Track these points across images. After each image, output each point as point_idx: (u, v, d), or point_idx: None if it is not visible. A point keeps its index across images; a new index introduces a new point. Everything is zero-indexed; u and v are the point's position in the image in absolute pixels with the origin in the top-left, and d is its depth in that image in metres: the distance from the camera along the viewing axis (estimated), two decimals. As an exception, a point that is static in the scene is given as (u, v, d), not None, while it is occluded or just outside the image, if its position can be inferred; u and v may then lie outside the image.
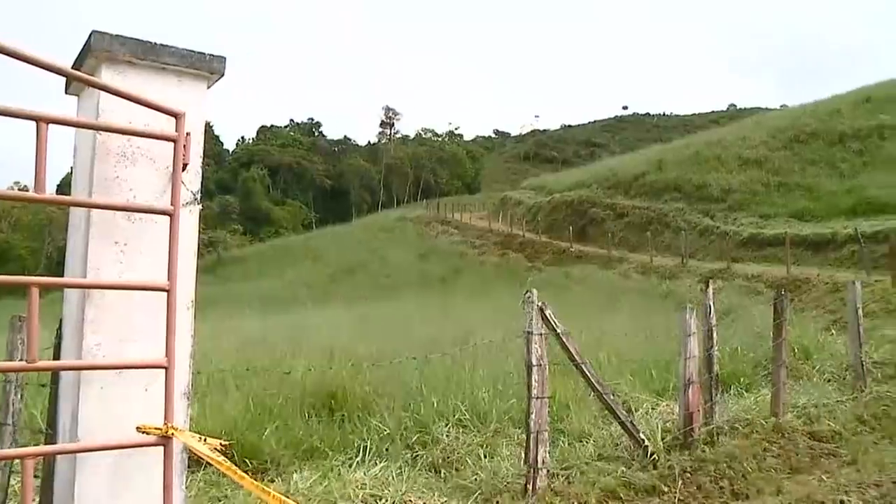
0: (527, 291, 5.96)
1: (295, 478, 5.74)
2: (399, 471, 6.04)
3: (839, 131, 41.37)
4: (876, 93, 45.71)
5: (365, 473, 5.82)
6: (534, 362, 5.73)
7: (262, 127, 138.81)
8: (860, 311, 9.57)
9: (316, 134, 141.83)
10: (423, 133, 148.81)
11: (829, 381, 10.01)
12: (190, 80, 3.02)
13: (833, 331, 14.85)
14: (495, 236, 51.48)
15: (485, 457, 6.63)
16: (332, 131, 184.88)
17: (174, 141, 2.86)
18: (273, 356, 11.83)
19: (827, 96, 50.42)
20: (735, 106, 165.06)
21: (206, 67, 3.04)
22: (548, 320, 5.88)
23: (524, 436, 5.90)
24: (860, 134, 40.43)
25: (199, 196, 3.05)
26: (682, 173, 43.32)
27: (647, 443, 6.42)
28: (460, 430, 7.34)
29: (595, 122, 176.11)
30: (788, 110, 60.03)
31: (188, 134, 2.91)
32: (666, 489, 6.04)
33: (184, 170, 2.92)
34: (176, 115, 2.86)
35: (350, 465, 6.17)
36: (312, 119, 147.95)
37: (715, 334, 7.26)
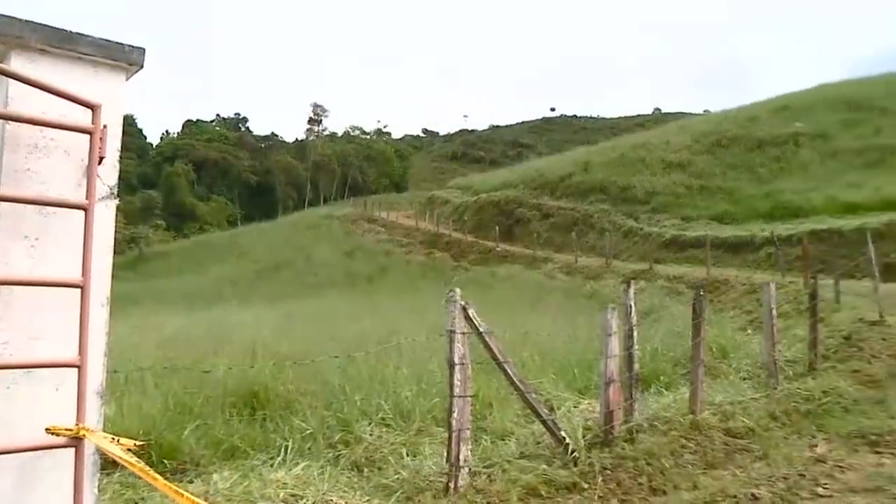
0: (450, 290, 5.97)
1: (215, 478, 5.64)
2: (321, 470, 5.98)
3: (758, 137, 42.59)
4: (792, 101, 47.21)
5: (286, 473, 5.75)
6: (456, 361, 5.74)
7: (188, 121, 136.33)
8: (774, 312, 9.85)
9: (242, 129, 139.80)
10: (351, 131, 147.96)
11: (744, 379, 10.25)
12: (107, 71, 2.94)
13: (749, 330, 15.26)
14: (422, 235, 51.51)
15: (407, 455, 6.61)
16: (259, 127, 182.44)
17: (90, 133, 2.78)
18: (195, 354, 11.64)
19: (747, 103, 51.97)
20: (660, 110, 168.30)
21: (125, 59, 2.97)
22: (470, 319, 5.90)
23: (447, 434, 5.91)
24: (777, 140, 41.68)
25: (116, 190, 2.98)
26: (607, 175, 44.02)
27: (568, 441, 6.49)
28: (383, 429, 7.31)
29: (523, 123, 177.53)
30: (711, 116, 61.48)
31: (105, 126, 2.83)
32: (586, 486, 6.11)
33: (100, 163, 2.84)
34: (92, 107, 2.78)
35: (271, 465, 6.08)
36: (239, 114, 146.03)
37: (636, 334, 7.39)
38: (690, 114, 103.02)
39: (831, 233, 26.89)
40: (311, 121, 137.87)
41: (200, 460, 6.48)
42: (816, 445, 7.40)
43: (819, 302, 11.94)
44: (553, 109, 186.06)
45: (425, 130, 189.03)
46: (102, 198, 2.88)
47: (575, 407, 8.17)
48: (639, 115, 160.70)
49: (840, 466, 6.70)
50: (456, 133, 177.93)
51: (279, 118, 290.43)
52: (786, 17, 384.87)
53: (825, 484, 6.24)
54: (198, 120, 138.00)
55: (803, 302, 13.14)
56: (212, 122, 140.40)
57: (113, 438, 2.70)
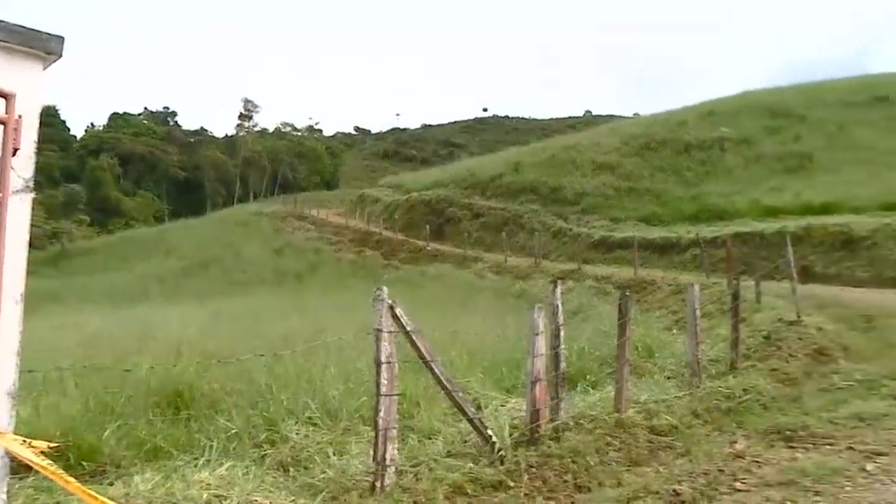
0: (377, 289, 5.96)
1: (136, 479, 5.50)
2: (246, 470, 5.90)
3: (685, 141, 43.38)
4: (718, 107, 48.26)
5: (210, 473, 5.65)
6: (383, 360, 5.73)
7: (114, 114, 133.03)
8: (698, 312, 10.06)
9: (171, 123, 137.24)
10: (282, 127, 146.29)
11: (669, 377, 10.44)
12: (22, 60, 2.85)
13: (675, 330, 15.55)
14: (352, 233, 51.28)
15: (334, 455, 6.58)
16: (188, 122, 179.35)
17: (3, 123, 2.69)
18: (118, 353, 11.40)
19: (676, 108, 52.85)
20: (591, 112, 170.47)
21: (42, 47, 2.88)
22: (398, 318, 5.89)
23: (374, 433, 5.89)
24: (704, 145, 42.52)
25: (32, 183, 2.89)
26: (538, 176, 44.35)
27: (494, 439, 6.53)
28: (310, 428, 7.27)
29: (455, 122, 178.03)
30: (641, 119, 62.49)
31: (20, 116, 2.75)
32: (512, 484, 6.16)
33: (14, 154, 2.75)
34: (6, 96, 2.69)
35: (195, 466, 5.97)
36: (168, 108, 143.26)
37: (562, 333, 7.47)
38: (621, 116, 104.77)
39: (754, 235, 27.55)
40: (241, 116, 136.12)
41: (121, 462, 6.34)
42: (736, 442, 7.57)
43: (741, 302, 12.24)
44: (485, 109, 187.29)
45: (357, 128, 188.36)
46: (17, 191, 2.79)
47: (502, 405, 8.22)
48: (570, 117, 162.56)
49: (757, 461, 6.87)
50: (388, 131, 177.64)
51: (209, 113, 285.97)
52: (711, 25, 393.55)
53: (743, 478, 6.39)
54: (124, 113, 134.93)
55: (726, 302, 13.44)
56: (139, 115, 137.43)
57: (24, 441, 2.61)
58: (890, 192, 28.35)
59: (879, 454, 6.80)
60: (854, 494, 5.82)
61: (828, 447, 7.20)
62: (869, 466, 6.47)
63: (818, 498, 5.78)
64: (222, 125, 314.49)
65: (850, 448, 7.05)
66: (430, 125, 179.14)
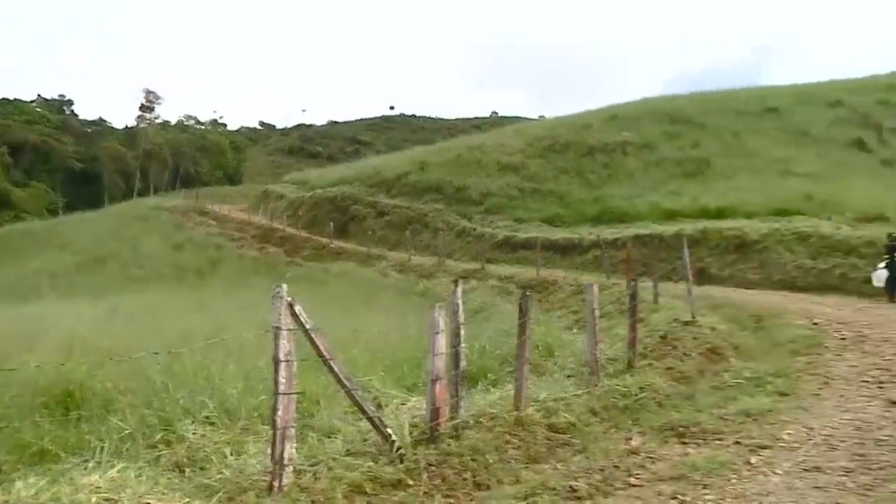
0: (276, 286, 5.89)
1: (18, 485, 5.24)
2: (139, 472, 5.75)
3: (589, 144, 44.12)
4: (622, 111, 49.30)
5: (100, 476, 5.47)
6: (281, 358, 5.66)
7: (4, 100, 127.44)
8: (597, 312, 10.25)
9: (67, 112, 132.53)
10: (185, 120, 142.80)
11: (568, 376, 10.60)
12: None
13: (575, 330, 15.86)
14: (255, 229, 50.52)
15: (231, 454, 6.49)
16: (85, 111, 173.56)
17: None
18: (3, 352, 10.95)
19: (580, 111, 53.74)
20: (497, 113, 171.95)
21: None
22: (297, 315, 5.83)
23: (272, 432, 5.82)
24: (607, 148, 43.33)
25: None
26: (443, 175, 44.53)
27: (394, 438, 6.52)
28: (207, 428, 7.15)
29: (362, 120, 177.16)
30: (546, 121, 63.37)
31: None
32: (412, 482, 6.17)
33: None
34: None
35: (85, 468, 5.79)
36: (63, 96, 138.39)
37: (462, 332, 7.50)
38: (526, 118, 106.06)
39: (653, 238, 28.30)
40: (142, 107, 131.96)
41: (2, 466, 6.08)
42: (631, 438, 7.76)
43: (639, 303, 12.53)
44: (392, 108, 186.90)
45: (262, 123, 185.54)
46: None
47: (403, 404, 8.22)
48: (476, 118, 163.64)
49: (651, 457, 7.07)
50: (294, 127, 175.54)
51: (108, 103, 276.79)
52: (614, 33, 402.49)
53: (637, 474, 6.57)
54: (15, 99, 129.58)
55: (625, 303, 13.73)
56: (32, 102, 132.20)
57: None
58: (780, 198, 29.56)
59: (763, 448, 7.10)
60: (739, 486, 6.06)
61: (717, 442, 7.46)
62: (753, 459, 6.75)
63: (706, 491, 5.98)
64: (122, 116, 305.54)
65: (738, 443, 7.33)
66: (336, 122, 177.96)
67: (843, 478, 6.16)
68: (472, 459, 6.68)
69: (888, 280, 20.65)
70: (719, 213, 29.82)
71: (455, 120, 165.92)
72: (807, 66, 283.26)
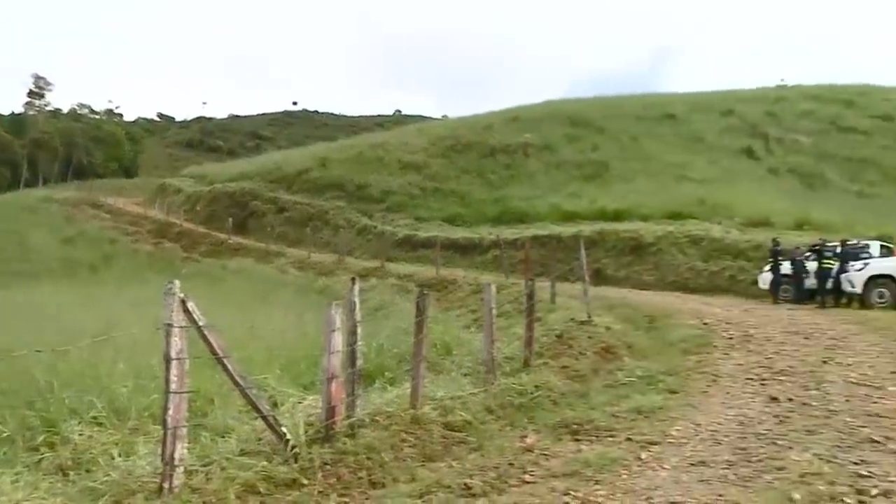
0: (169, 282, 5.74)
1: None
2: (16, 477, 5.52)
3: (491, 145, 44.61)
4: (524, 113, 49.95)
5: (-32, 484, 5.23)
6: (173, 356, 5.52)
7: None
8: (494, 311, 10.33)
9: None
10: (78, 108, 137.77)
11: (465, 375, 10.66)
12: None
13: (473, 328, 15.98)
14: (151, 224, 49.29)
15: (120, 456, 6.30)
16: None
17: None
18: None
19: (482, 112, 54.21)
20: (401, 112, 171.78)
21: None
22: (189, 312, 5.70)
23: (163, 432, 5.67)
24: (508, 149, 43.89)
25: None
26: (345, 172, 44.39)
27: (289, 437, 6.44)
28: (95, 429, 6.93)
29: (264, 114, 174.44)
30: (448, 121, 63.70)
31: None
32: (306, 482, 6.10)
33: None
34: None
35: (-47, 476, 5.51)
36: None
37: (359, 330, 7.45)
38: (430, 118, 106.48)
39: (551, 238, 28.82)
40: (31, 94, 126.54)
41: None
42: (526, 436, 7.84)
43: (536, 302, 12.70)
44: (295, 103, 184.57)
45: (160, 115, 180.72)
46: None
47: (300, 403, 8.14)
48: (380, 115, 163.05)
49: (545, 454, 7.16)
50: (193, 120, 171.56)
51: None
52: (517, 35, 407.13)
53: (531, 471, 6.64)
54: None
55: (523, 302, 13.92)
56: None
57: None
58: (674, 202, 30.51)
59: (653, 443, 7.29)
60: (629, 481, 6.21)
61: (609, 439, 7.61)
62: (643, 455, 6.92)
63: (598, 486, 6.10)
64: (8, 102, 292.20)
65: (629, 439, 7.50)
66: (237, 116, 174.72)
67: (726, 471, 6.38)
68: (368, 458, 6.65)
69: (772, 282, 21.59)
70: (617, 216, 30.58)
71: (358, 117, 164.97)
72: (702, 74, 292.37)
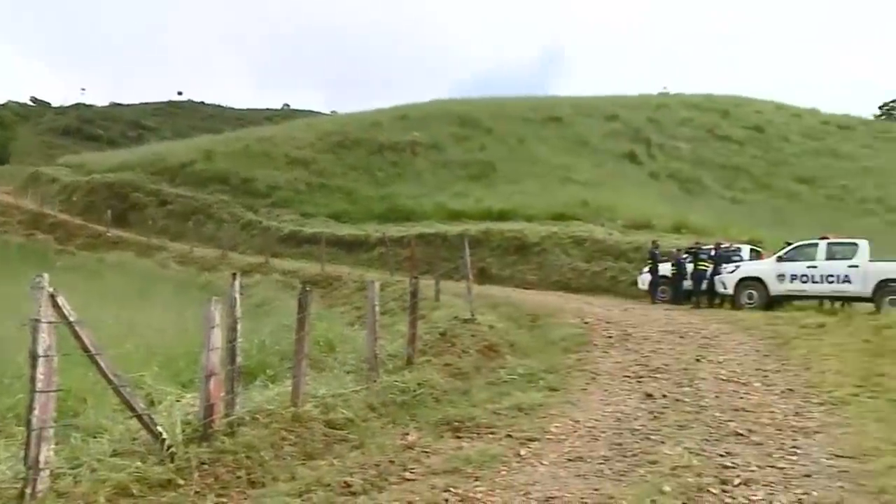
0: (37, 276, 5.48)
1: None
2: None
3: (379, 142, 44.58)
4: (412, 111, 50.08)
5: None
6: (40, 353, 5.26)
7: None
8: (377, 309, 10.30)
9: None
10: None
11: (349, 372, 10.59)
12: None
13: (357, 326, 15.90)
14: (22, 214, 46.88)
15: (-23, 460, 5.97)
16: None
17: None
18: None
19: (371, 109, 54.04)
20: (289, 106, 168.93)
21: None
22: (59, 308, 5.46)
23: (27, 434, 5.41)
24: (396, 147, 43.96)
25: None
26: (230, 166, 43.61)
27: (165, 436, 6.27)
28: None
29: (147, 103, 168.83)
30: (337, 117, 63.30)
31: None
32: (182, 482, 5.95)
33: None
34: None
35: None
36: None
37: (239, 326, 7.31)
38: (319, 113, 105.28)
39: (437, 237, 29.01)
40: None
41: None
42: (408, 433, 7.87)
43: (421, 300, 12.74)
44: (180, 93, 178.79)
45: (35, 99, 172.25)
46: None
47: (178, 401, 7.91)
48: (268, 109, 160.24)
49: (426, 452, 7.21)
50: (71, 106, 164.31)
51: None
52: (407, 32, 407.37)
53: (412, 468, 6.67)
54: None
55: (408, 300, 13.94)
56: None
57: None
58: (559, 203, 31.20)
59: (532, 440, 7.46)
60: (508, 478, 6.32)
61: (490, 436, 7.73)
62: (523, 452, 7.06)
63: (478, 483, 6.18)
64: None
65: (509, 436, 7.63)
66: (119, 104, 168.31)
67: (602, 465, 6.59)
68: (247, 457, 6.54)
69: (651, 283, 22.31)
70: (502, 216, 31.04)
71: (246, 110, 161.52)
72: (587, 78, 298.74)
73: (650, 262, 22.57)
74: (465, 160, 41.70)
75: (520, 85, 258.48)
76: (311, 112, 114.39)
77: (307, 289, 8.41)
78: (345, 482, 6.19)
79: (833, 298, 19.01)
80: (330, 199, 39.02)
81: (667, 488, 5.83)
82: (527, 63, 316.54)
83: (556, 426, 7.98)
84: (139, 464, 6.01)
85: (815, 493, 5.71)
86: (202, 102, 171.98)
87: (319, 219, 36.53)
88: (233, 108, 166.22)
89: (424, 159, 42.54)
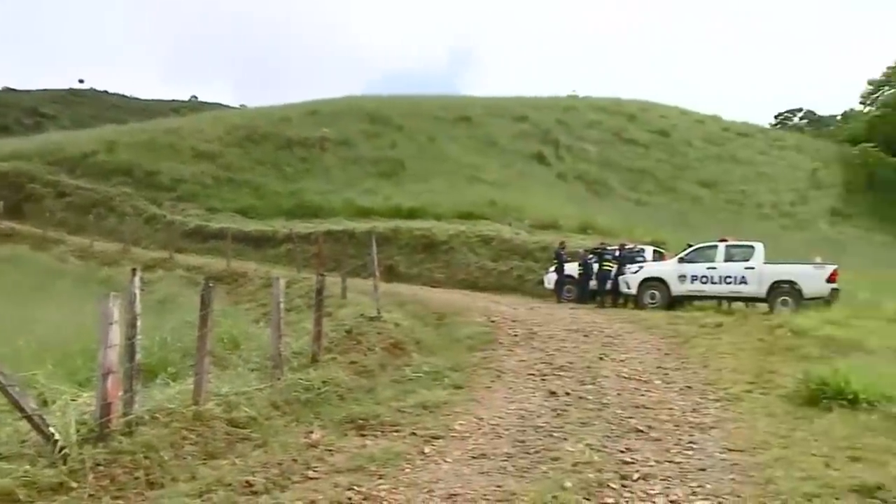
0: None
1: None
2: None
3: (288, 137, 44.13)
4: (323, 107, 49.71)
5: None
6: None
7: None
8: (282, 305, 10.18)
9: None
10: None
11: (253, 370, 10.42)
12: None
13: (262, 323, 15.69)
14: None
15: None
16: None
17: None
18: None
19: (281, 103, 53.42)
20: (197, 98, 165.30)
21: None
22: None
23: None
24: (306, 142, 43.61)
25: None
26: (134, 158, 42.46)
27: (57, 437, 6.05)
28: None
29: (46, 90, 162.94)
30: (246, 110, 62.40)
31: None
32: (75, 485, 5.76)
33: None
34: None
35: None
36: None
37: (140, 323, 7.12)
38: (227, 106, 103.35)
39: (345, 234, 28.86)
40: None
41: None
42: (312, 432, 7.80)
43: (327, 298, 12.66)
44: (82, 81, 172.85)
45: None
46: None
47: (73, 400, 7.63)
48: (175, 101, 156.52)
49: (330, 450, 7.16)
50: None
51: None
52: (319, 26, 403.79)
53: (315, 467, 6.62)
54: None
55: (315, 297, 13.83)
56: None
57: None
58: (467, 202, 31.45)
59: (437, 438, 7.50)
60: (412, 475, 6.35)
61: (394, 433, 7.73)
62: (427, 449, 7.09)
63: (381, 481, 6.18)
64: None
65: (413, 434, 7.65)
66: (14, 90, 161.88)
67: (505, 462, 6.67)
68: (146, 457, 6.37)
69: (557, 283, 22.67)
70: (411, 214, 31.14)
71: (151, 101, 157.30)
72: (497, 78, 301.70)
73: (556, 261, 22.93)
74: (375, 157, 41.64)
75: (430, 84, 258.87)
76: (219, 105, 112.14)
77: (210, 284, 8.24)
78: (247, 481, 6.11)
79: (731, 299, 19.67)
80: (237, 193, 38.44)
81: (568, 484, 5.95)
82: (436, 62, 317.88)
83: (461, 424, 8.04)
84: (28, 467, 5.79)
85: (708, 486, 5.94)
86: (105, 91, 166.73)
87: (226, 214, 35.96)
88: (137, 99, 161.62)
89: (334, 155, 42.28)
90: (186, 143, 43.77)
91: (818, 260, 19.45)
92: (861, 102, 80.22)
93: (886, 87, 71.43)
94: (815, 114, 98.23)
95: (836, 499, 5.55)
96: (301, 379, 9.50)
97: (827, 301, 17.65)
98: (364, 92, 67.69)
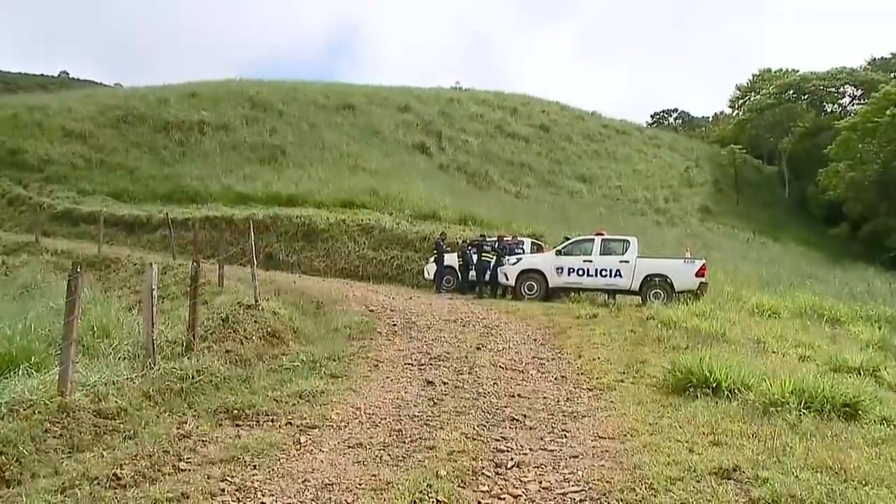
0: None
1: None
2: None
3: (165, 119, 42.80)
4: (202, 90, 48.40)
5: None
6: None
7: None
8: (155, 292, 9.87)
9: None
10: None
11: (124, 359, 10.10)
12: None
13: (136, 310, 15.21)
14: None
15: None
16: None
17: None
18: None
19: (158, 84, 51.74)
20: (68, 74, 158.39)
21: None
22: None
23: None
24: (184, 125, 42.39)
25: None
26: (-5, 135, 40.30)
27: None
28: None
29: None
30: (121, 90, 60.09)
31: None
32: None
33: None
34: None
35: None
36: None
37: None
38: (101, 84, 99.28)
39: (223, 220, 28.23)
40: None
41: None
42: (185, 422, 7.63)
43: (203, 285, 12.39)
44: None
45: None
46: None
47: None
48: (42, 76, 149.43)
49: (203, 440, 7.02)
50: None
51: None
52: (189, 7, 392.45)
53: (187, 458, 6.48)
54: None
55: (188, 284, 13.48)
56: None
57: None
58: (348, 191, 31.30)
59: (313, 427, 7.47)
60: (287, 465, 6.30)
61: (270, 423, 7.64)
62: (303, 439, 7.05)
63: (255, 471, 6.11)
64: None
65: (289, 423, 7.59)
66: None
67: (381, 451, 6.70)
68: (2, 453, 6.10)
69: (436, 273, 22.86)
70: (290, 201, 30.77)
71: (16, 74, 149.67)
72: (379, 67, 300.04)
73: (436, 252, 23.11)
74: (255, 143, 40.88)
75: (307, 70, 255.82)
76: (91, 83, 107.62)
77: (78, 269, 7.93)
78: (114, 475, 5.92)
79: (606, 291, 20.25)
80: (110, 176, 37.03)
81: (443, 472, 6.02)
82: (314, 49, 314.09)
83: (337, 413, 8.02)
84: None
85: (580, 473, 6.14)
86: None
87: (98, 197, 34.60)
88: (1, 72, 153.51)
89: (213, 140, 41.27)
90: (55, 122, 41.82)
91: (688, 255, 20.29)
92: (730, 106, 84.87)
93: (752, 94, 75.71)
94: (688, 115, 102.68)
95: (697, 481, 5.83)
96: (174, 368, 9.25)
97: (696, 294, 18.40)
98: (239, 74, 66.23)
